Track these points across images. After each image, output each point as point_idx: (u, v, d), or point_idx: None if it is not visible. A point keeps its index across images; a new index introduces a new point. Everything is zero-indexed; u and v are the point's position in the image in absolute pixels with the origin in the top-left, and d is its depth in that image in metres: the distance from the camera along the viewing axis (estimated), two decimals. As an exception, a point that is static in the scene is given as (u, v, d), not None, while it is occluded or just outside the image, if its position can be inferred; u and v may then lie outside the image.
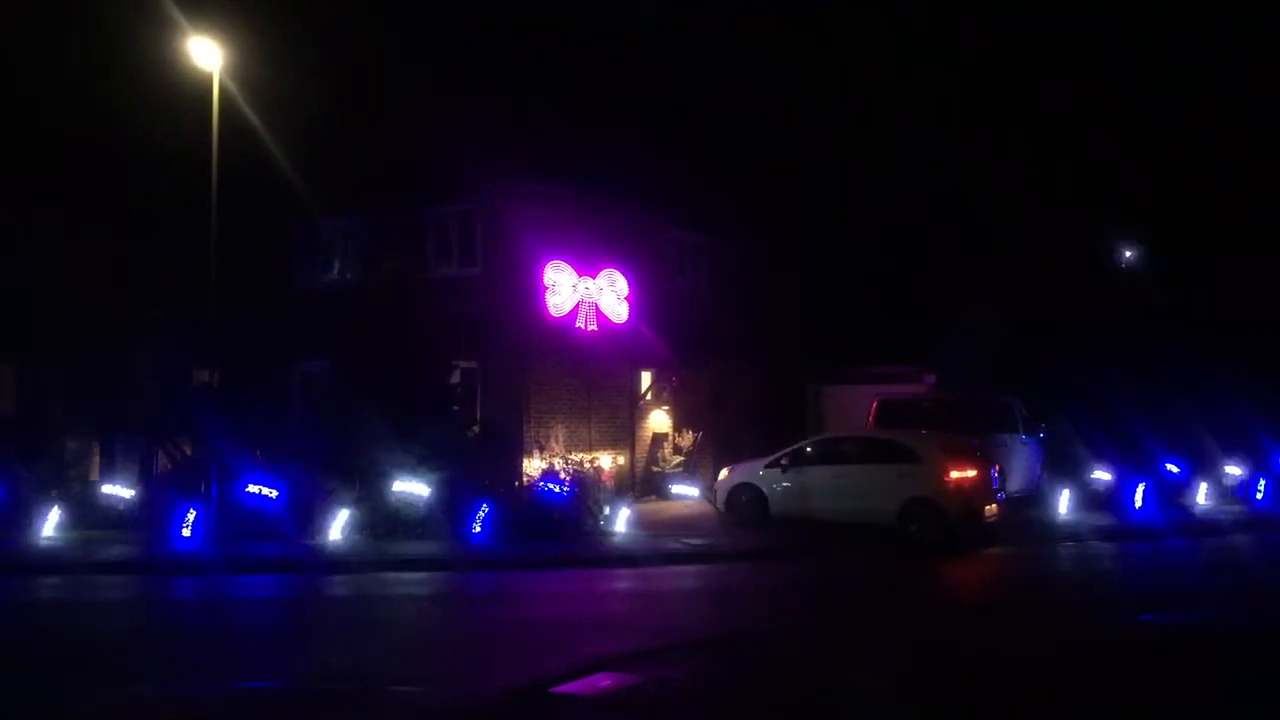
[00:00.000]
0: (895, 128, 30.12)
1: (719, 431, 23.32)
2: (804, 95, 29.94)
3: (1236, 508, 20.13)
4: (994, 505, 16.68)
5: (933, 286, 26.25)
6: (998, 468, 17.47)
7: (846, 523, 16.79)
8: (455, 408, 18.91)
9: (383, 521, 16.21)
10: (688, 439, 22.67)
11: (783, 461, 17.92)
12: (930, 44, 30.34)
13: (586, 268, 20.57)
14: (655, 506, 20.28)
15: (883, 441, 17.69)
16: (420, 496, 16.27)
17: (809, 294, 25.46)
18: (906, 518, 16.32)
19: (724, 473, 19.15)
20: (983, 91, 29.95)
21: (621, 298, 21.23)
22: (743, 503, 18.07)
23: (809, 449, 18.02)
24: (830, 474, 17.25)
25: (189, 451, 18.04)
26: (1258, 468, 21.32)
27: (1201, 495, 20.60)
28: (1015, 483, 20.14)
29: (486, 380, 20.03)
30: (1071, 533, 17.45)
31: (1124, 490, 19.62)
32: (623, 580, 14.04)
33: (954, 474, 16.31)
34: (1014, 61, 30.38)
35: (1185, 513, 19.40)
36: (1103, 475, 20.10)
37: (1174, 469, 20.61)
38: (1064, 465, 20.53)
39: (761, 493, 17.90)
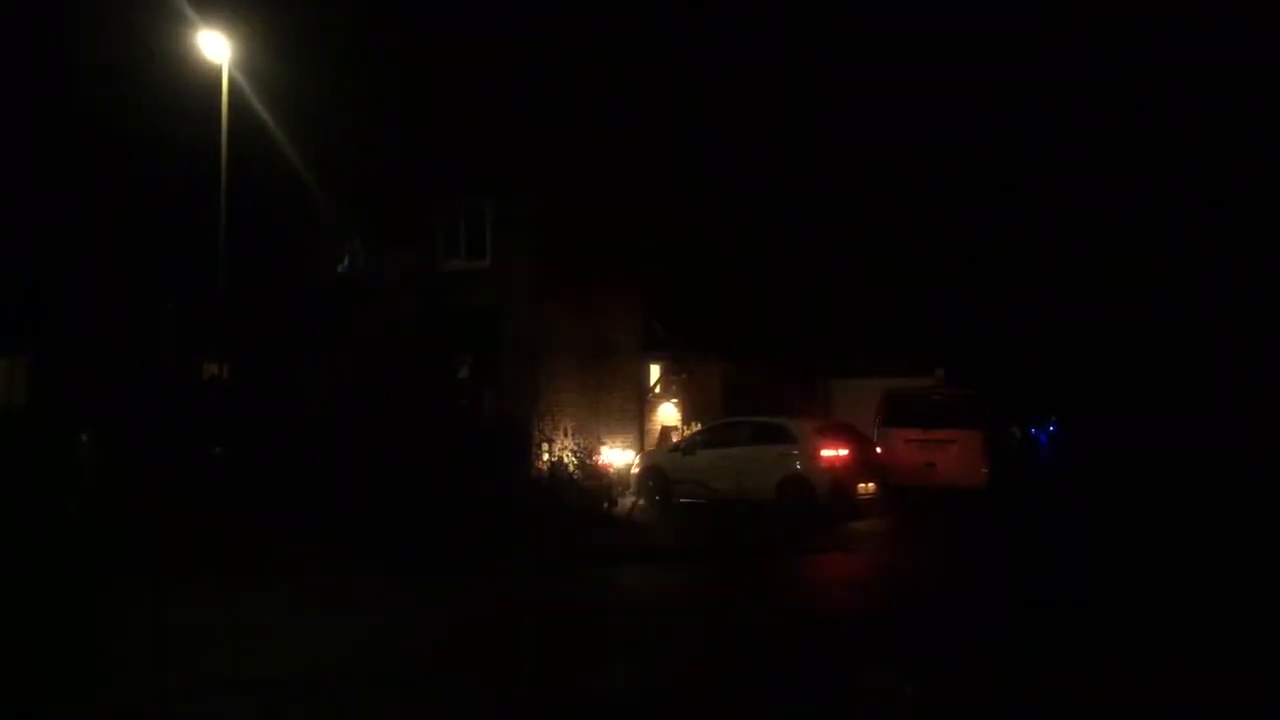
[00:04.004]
0: (917, 113, 30.02)
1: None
2: (831, 80, 29.67)
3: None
4: (870, 484, 17.64)
5: (949, 281, 26.25)
6: (879, 449, 18.72)
7: (734, 500, 17.47)
8: (465, 401, 18.98)
9: (403, 515, 16.19)
10: (697, 431, 22.72)
11: (682, 446, 18.94)
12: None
13: (597, 261, 20.58)
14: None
15: (765, 424, 18.40)
16: (428, 489, 16.28)
17: (821, 286, 25.46)
18: (783, 495, 17.20)
19: (635, 458, 19.85)
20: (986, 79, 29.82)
21: (632, 291, 21.25)
22: (649, 487, 18.67)
23: (706, 433, 19.01)
24: (721, 456, 17.99)
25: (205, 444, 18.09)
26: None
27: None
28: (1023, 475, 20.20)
29: (496, 373, 20.08)
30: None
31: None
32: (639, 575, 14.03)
33: (825, 454, 17.21)
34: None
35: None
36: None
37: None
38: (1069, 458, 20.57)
39: (667, 475, 18.54)
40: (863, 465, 17.75)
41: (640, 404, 22.31)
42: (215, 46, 16.63)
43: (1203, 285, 26.54)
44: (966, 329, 25.25)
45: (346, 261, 21.94)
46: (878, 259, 27.23)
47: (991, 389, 20.81)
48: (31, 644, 9.15)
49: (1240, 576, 12.41)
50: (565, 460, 18.78)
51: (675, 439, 22.68)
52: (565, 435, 20.12)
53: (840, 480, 17.20)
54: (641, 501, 18.27)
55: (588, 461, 18.97)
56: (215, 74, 16.81)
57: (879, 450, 19.07)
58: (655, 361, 22.41)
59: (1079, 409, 21.52)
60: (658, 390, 22.62)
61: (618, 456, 20.61)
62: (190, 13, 17.08)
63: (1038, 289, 26.61)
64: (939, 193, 28.81)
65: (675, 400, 23.16)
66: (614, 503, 17.47)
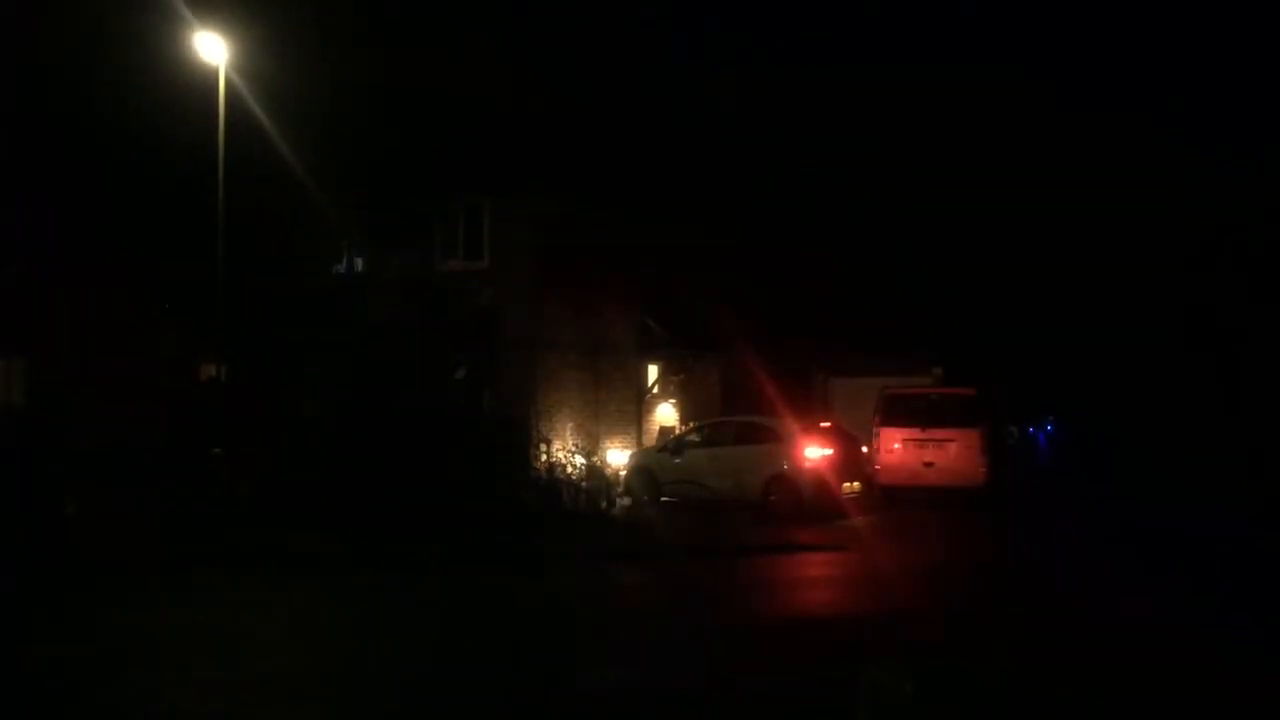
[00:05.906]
0: (906, 121, 30.04)
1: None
2: (822, 93, 29.74)
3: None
4: (855, 484, 17.85)
5: (945, 280, 26.25)
6: (878, 448, 19.15)
7: (722, 500, 17.68)
8: (463, 401, 19.00)
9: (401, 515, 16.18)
10: (695, 431, 22.71)
11: (671, 445, 19.16)
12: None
13: (595, 261, 20.59)
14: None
15: (751, 424, 18.70)
16: (426, 489, 16.27)
17: (819, 286, 25.43)
18: (768, 494, 17.43)
19: (625, 457, 20.05)
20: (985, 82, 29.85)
21: (630, 291, 21.27)
22: (638, 487, 18.82)
23: (693, 433, 19.31)
24: (709, 455, 18.22)
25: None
26: None
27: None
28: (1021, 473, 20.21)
29: (495, 373, 20.09)
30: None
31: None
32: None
33: (810, 453, 17.37)
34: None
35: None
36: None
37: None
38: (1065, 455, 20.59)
39: (655, 475, 18.69)
40: (848, 464, 17.88)
41: (639, 404, 22.32)
42: (212, 47, 16.62)
43: (1199, 286, 26.56)
44: (966, 329, 25.27)
45: (345, 261, 21.93)
46: (877, 257, 27.21)
47: (990, 388, 20.82)
48: (30, 644, 9.17)
49: (1238, 574, 12.42)
50: (563, 460, 18.78)
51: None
52: (563, 435, 20.12)
53: (825, 479, 17.34)
54: (629, 501, 18.31)
55: (586, 461, 18.97)
56: (212, 75, 16.80)
57: (878, 449, 19.09)
58: (653, 361, 22.43)
59: (1076, 409, 21.51)
60: (656, 390, 22.63)
61: (616, 457, 20.63)
62: (187, 14, 17.07)
63: (1037, 289, 26.61)
64: (938, 191, 28.84)
65: (673, 400, 23.18)
66: (612, 502, 17.51)
